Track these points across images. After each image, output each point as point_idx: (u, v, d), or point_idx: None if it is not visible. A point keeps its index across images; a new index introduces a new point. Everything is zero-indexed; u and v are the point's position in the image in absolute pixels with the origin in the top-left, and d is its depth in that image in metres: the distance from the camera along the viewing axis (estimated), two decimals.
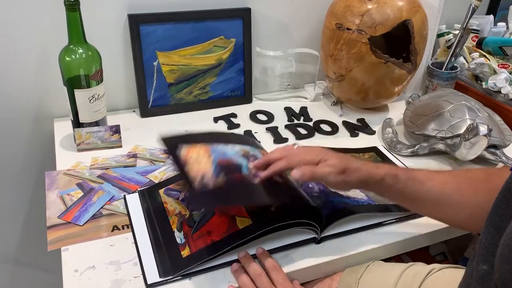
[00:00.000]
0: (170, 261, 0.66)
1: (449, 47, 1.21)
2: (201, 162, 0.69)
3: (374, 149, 0.97)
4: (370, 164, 0.69)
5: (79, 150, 0.92)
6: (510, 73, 1.08)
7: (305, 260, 0.69)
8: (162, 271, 0.64)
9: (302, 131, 1.04)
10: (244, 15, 1.07)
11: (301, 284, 0.68)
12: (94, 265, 0.66)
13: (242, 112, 1.11)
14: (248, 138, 0.90)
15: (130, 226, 0.73)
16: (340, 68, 1.04)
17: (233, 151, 0.74)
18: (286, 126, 1.06)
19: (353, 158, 0.70)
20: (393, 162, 0.92)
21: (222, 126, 1.05)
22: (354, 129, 1.06)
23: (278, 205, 0.70)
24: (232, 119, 1.08)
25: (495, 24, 1.31)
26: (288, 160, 0.68)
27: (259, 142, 0.96)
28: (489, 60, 1.14)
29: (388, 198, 0.73)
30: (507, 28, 1.29)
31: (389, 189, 0.68)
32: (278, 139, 1.00)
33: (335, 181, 0.66)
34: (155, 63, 1.04)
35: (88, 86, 0.87)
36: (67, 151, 0.92)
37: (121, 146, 0.94)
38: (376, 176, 0.67)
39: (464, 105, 0.95)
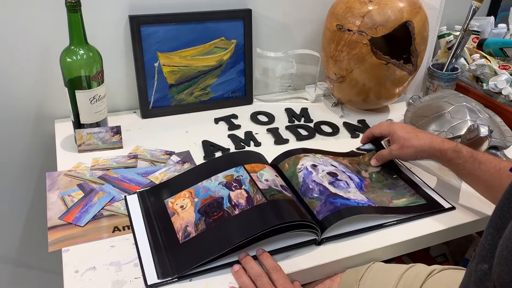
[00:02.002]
0: (169, 262, 0.66)
1: (449, 48, 1.21)
2: (185, 210, 0.74)
3: (376, 143, 0.95)
4: (437, 138, 0.80)
5: (80, 151, 0.92)
6: (510, 74, 1.08)
7: (305, 261, 0.69)
8: (161, 273, 0.64)
9: (303, 132, 1.05)
10: (245, 16, 1.07)
11: (302, 285, 0.68)
12: (95, 266, 0.66)
13: (242, 113, 1.11)
14: (236, 156, 0.89)
15: (130, 227, 0.73)
16: (340, 69, 1.04)
17: (216, 183, 0.78)
18: (287, 127, 1.06)
19: (426, 133, 0.84)
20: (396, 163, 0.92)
21: (223, 127, 1.05)
22: (355, 130, 1.06)
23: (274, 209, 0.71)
24: (232, 120, 1.08)
25: (495, 26, 1.31)
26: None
27: (258, 152, 0.95)
28: (490, 61, 1.14)
29: (450, 169, 0.82)
30: (508, 29, 1.30)
31: (450, 162, 0.78)
32: (279, 140, 1.00)
33: (396, 154, 0.84)
34: (156, 64, 1.04)
35: (89, 87, 0.88)
36: (68, 152, 0.93)
37: (122, 147, 0.94)
38: (439, 148, 0.78)
39: (465, 106, 0.95)
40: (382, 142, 0.93)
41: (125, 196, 0.79)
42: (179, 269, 0.64)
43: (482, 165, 0.74)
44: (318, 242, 0.72)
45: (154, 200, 0.78)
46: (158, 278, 0.64)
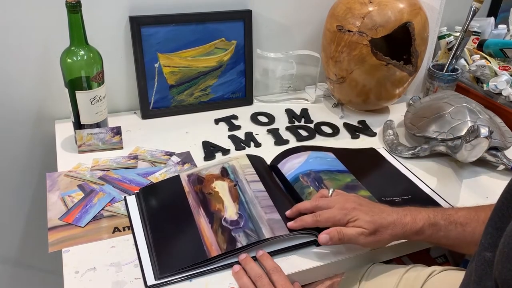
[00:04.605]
0: (157, 264, 0.66)
1: (450, 49, 1.21)
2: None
3: (372, 150, 0.97)
4: (406, 216, 0.65)
5: (80, 152, 0.92)
6: (511, 75, 1.08)
7: (305, 262, 0.69)
8: (159, 274, 0.64)
9: (303, 133, 1.05)
10: (245, 17, 1.07)
11: (302, 286, 0.68)
12: (95, 266, 0.66)
13: (243, 113, 1.11)
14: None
15: (130, 227, 0.73)
16: (341, 70, 1.04)
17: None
18: (287, 128, 1.06)
19: (386, 209, 0.67)
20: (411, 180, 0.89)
21: (223, 128, 1.05)
22: (355, 131, 1.06)
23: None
24: (233, 120, 1.08)
25: (496, 26, 1.31)
26: (315, 217, 0.68)
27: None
28: (490, 62, 1.14)
29: (430, 244, 0.69)
30: (508, 30, 1.29)
31: (429, 238, 0.65)
32: (279, 141, 1.00)
33: (365, 242, 0.65)
34: (156, 65, 1.04)
35: (89, 87, 0.88)
36: (68, 153, 0.93)
37: (122, 148, 0.95)
38: (413, 229, 0.64)
39: (465, 107, 0.95)
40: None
41: (125, 197, 0.79)
42: (162, 271, 0.64)
43: (466, 227, 0.64)
44: (318, 243, 0.71)
45: (152, 199, 0.78)
46: (156, 280, 0.63)
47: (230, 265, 0.66)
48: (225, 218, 0.72)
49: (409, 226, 0.64)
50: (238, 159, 0.86)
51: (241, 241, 0.68)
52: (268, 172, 0.84)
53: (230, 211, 0.74)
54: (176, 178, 0.82)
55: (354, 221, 0.65)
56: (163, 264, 0.65)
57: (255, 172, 0.82)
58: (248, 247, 0.67)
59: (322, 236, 0.65)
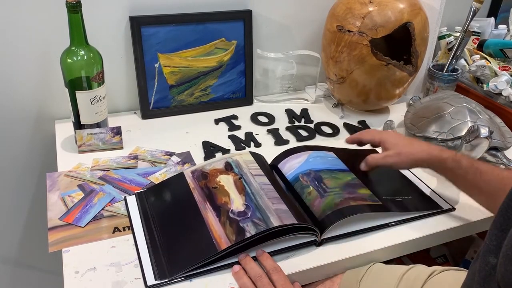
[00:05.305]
0: (166, 264, 0.66)
1: (450, 50, 1.21)
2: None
3: (373, 151, 0.97)
4: (435, 148, 0.76)
5: (80, 152, 0.92)
6: (511, 75, 1.08)
7: (305, 262, 0.69)
8: (158, 274, 0.64)
9: (303, 133, 1.05)
10: (245, 17, 1.07)
11: (302, 286, 0.68)
12: (95, 266, 0.66)
13: (243, 114, 1.11)
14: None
15: (130, 227, 0.73)
16: (341, 70, 1.05)
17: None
18: (287, 128, 1.06)
19: (417, 141, 0.80)
20: None
21: (223, 128, 1.05)
22: (355, 131, 1.05)
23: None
24: (233, 121, 1.08)
25: (496, 27, 1.31)
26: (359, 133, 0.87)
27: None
28: (490, 62, 1.14)
29: (448, 180, 0.77)
30: (508, 30, 1.30)
31: (450, 172, 0.74)
32: (279, 141, 1.00)
33: (392, 162, 0.77)
34: (156, 65, 1.04)
35: (90, 87, 0.88)
36: (68, 153, 0.93)
37: (122, 148, 0.95)
38: (438, 157, 0.74)
39: (465, 107, 0.95)
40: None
41: (125, 197, 0.79)
42: (171, 272, 0.64)
43: (484, 175, 0.69)
44: (318, 243, 0.72)
45: (152, 200, 0.78)
46: (156, 280, 0.64)
47: (230, 265, 0.66)
48: (232, 210, 0.72)
49: (435, 154, 0.74)
50: (241, 155, 0.86)
51: (250, 230, 0.67)
52: (269, 171, 0.84)
53: (237, 203, 0.73)
54: (181, 175, 0.82)
55: (384, 142, 0.79)
56: (173, 263, 0.65)
57: (259, 167, 0.82)
58: (257, 236, 0.66)
59: (362, 165, 0.83)
